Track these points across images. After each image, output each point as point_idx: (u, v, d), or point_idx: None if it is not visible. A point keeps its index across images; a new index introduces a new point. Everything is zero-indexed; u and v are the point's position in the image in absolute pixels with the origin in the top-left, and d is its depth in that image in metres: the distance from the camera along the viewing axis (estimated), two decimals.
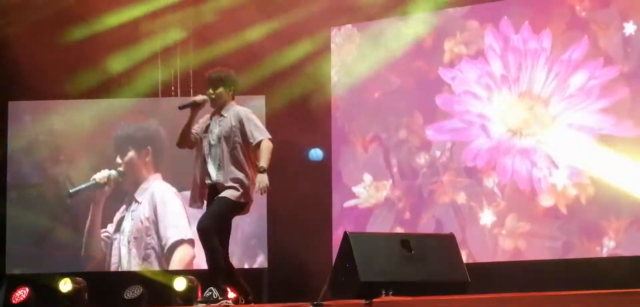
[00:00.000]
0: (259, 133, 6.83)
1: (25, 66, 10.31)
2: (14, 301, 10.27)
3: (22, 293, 10.30)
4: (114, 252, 10.40)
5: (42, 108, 10.67)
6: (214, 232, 6.70)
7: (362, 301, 5.83)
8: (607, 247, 9.13)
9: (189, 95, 10.75)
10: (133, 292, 10.16)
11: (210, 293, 6.71)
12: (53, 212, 10.50)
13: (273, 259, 10.41)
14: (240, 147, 6.84)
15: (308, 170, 10.47)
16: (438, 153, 10.08)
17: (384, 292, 6.24)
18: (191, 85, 10.91)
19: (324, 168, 10.59)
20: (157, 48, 10.89)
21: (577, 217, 9.29)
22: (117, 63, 10.56)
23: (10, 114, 10.60)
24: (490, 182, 9.78)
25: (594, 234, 9.21)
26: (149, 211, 10.45)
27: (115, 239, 10.39)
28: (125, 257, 10.42)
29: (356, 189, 10.44)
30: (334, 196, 10.52)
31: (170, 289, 9.95)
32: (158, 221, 10.42)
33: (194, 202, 6.98)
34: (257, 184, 6.70)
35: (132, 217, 10.47)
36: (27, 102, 10.67)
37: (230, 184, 6.78)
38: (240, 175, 6.81)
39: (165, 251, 10.40)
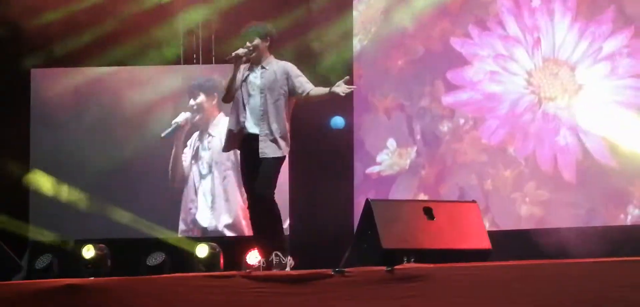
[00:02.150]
0: (309, 84, 6.97)
1: (48, 33, 10.34)
2: (37, 268, 10.34)
3: (45, 259, 10.36)
4: (193, 176, 10.80)
5: (65, 75, 10.67)
6: (274, 199, 6.78)
7: (384, 268, 5.82)
8: (632, 214, 9.08)
9: (211, 63, 10.76)
10: (155, 258, 10.19)
11: (278, 258, 6.67)
12: (75, 179, 10.53)
13: (295, 226, 10.41)
14: (284, 99, 6.89)
15: (330, 138, 10.43)
16: (461, 121, 10.02)
17: (405, 260, 6.23)
18: (213, 53, 10.89)
19: (346, 135, 10.55)
20: (180, 18, 10.88)
21: (602, 184, 9.23)
22: (140, 31, 10.55)
23: (33, 82, 10.61)
24: (512, 150, 9.72)
25: (618, 201, 9.15)
26: None
27: (193, 165, 10.83)
28: (207, 182, 10.70)
29: (379, 157, 10.40)
30: (355, 164, 10.48)
31: (192, 255, 9.98)
32: None
33: (227, 148, 7.09)
34: (341, 88, 6.83)
35: (209, 147, 10.75)
36: (50, 70, 10.68)
37: (271, 137, 6.81)
38: (282, 128, 6.87)
39: None
